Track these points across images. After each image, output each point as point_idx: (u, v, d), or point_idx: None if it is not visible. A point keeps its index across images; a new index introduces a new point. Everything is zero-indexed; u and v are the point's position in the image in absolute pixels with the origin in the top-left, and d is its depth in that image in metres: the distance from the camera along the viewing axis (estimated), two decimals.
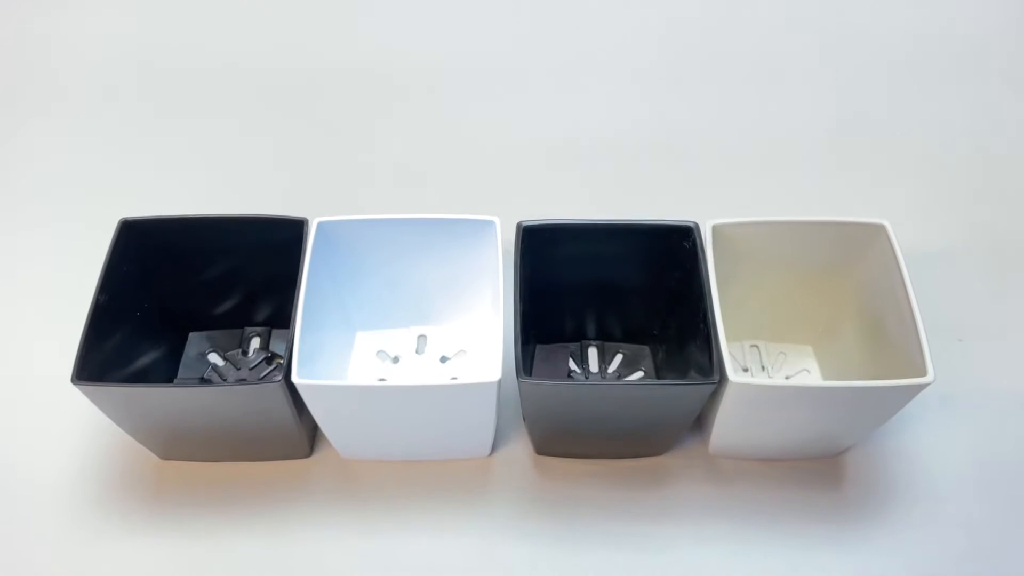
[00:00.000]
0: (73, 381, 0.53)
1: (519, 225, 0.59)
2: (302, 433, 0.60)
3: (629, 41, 0.91)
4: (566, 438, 0.60)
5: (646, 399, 0.54)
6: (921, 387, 0.52)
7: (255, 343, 0.68)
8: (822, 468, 0.63)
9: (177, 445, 0.61)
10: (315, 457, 0.63)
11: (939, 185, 0.79)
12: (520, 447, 0.64)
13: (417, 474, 0.62)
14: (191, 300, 0.66)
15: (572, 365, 0.66)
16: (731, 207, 0.62)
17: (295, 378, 0.53)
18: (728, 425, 0.58)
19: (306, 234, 0.59)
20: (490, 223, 0.60)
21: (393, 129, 0.85)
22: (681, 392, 0.54)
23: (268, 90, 0.88)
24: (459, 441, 0.61)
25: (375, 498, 0.62)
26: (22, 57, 0.90)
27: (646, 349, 0.67)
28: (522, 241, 0.59)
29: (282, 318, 0.67)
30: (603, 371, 0.66)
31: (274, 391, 0.53)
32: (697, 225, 0.59)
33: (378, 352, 0.67)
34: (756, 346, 0.67)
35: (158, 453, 0.62)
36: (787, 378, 0.66)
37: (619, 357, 0.67)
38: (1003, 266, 0.73)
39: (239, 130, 0.85)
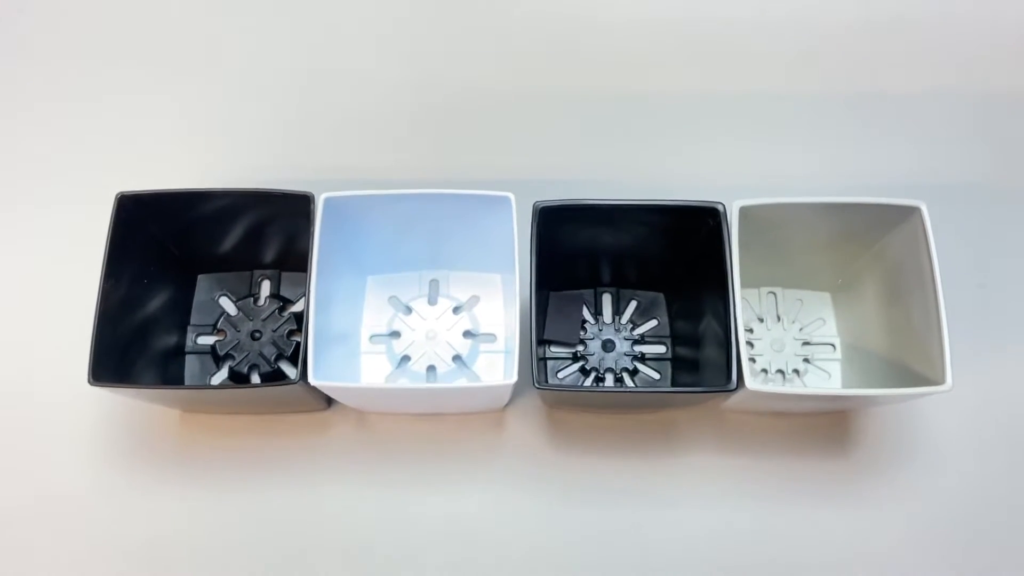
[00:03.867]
0: (90, 382, 0.53)
1: (535, 206, 0.56)
2: (320, 397, 0.61)
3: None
4: (579, 411, 0.61)
5: (661, 400, 0.54)
6: (937, 393, 0.52)
7: (265, 288, 0.67)
8: (829, 422, 0.64)
9: (197, 409, 0.62)
10: (333, 409, 0.65)
11: (974, 119, 0.73)
12: (533, 400, 0.65)
13: (433, 426, 0.64)
14: (199, 246, 0.64)
15: (586, 314, 0.66)
16: (752, 172, 0.58)
17: (312, 380, 0.53)
18: (741, 405, 0.58)
19: (313, 210, 0.57)
20: (506, 199, 0.57)
21: (407, 87, 0.75)
22: (696, 397, 0.54)
23: (267, 47, 0.77)
24: (474, 408, 0.62)
25: (391, 448, 0.64)
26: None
27: (661, 297, 0.66)
28: (538, 221, 0.56)
29: (292, 259, 0.66)
30: (616, 323, 0.66)
31: (293, 390, 0.54)
32: (724, 207, 0.56)
33: (390, 298, 0.66)
34: (773, 293, 0.67)
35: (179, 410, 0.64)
36: (801, 329, 0.65)
37: (633, 304, 0.66)
38: None
39: (236, 92, 0.75)
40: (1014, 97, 0.74)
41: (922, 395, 0.53)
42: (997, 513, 0.62)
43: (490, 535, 0.61)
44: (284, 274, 0.67)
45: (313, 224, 0.56)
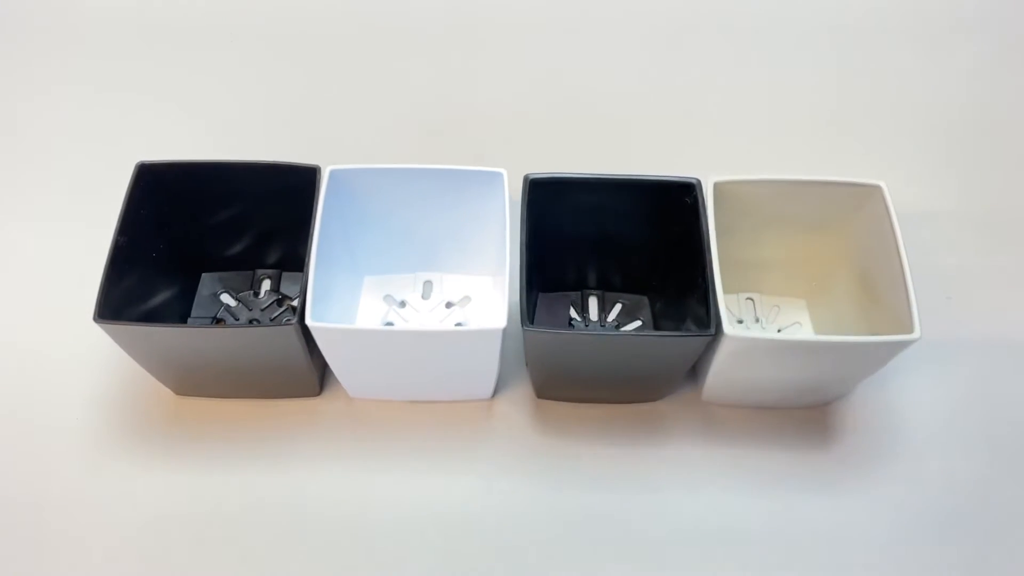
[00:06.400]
0: (95, 319, 0.55)
1: (526, 178, 0.61)
2: (313, 372, 0.62)
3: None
4: (566, 383, 0.63)
5: (644, 348, 0.56)
6: (908, 343, 0.55)
7: (266, 285, 0.70)
8: (810, 416, 0.66)
9: (192, 381, 0.63)
10: (324, 396, 0.66)
11: (934, 148, 0.81)
12: (521, 391, 0.67)
13: (422, 414, 0.65)
14: (204, 242, 0.68)
15: (573, 313, 0.69)
16: (731, 165, 0.64)
17: (309, 321, 0.55)
18: (722, 375, 0.60)
19: (319, 181, 0.61)
20: (498, 174, 0.61)
21: (408, 82, 0.86)
22: (678, 343, 0.56)
23: (286, 39, 0.89)
24: (463, 383, 0.63)
25: (380, 436, 0.64)
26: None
27: (645, 299, 0.69)
28: (529, 193, 0.60)
29: (292, 261, 0.69)
30: (602, 320, 0.68)
31: (288, 333, 0.56)
32: (699, 181, 0.60)
33: (385, 296, 0.69)
34: (751, 299, 0.70)
35: (173, 388, 0.65)
36: (779, 331, 0.68)
37: (618, 307, 0.69)
38: (992, 227, 0.76)
39: (257, 78, 0.86)
40: (981, 125, 0.83)
41: (895, 344, 0.55)
42: (973, 502, 0.62)
43: (477, 521, 0.61)
44: (285, 274, 0.70)
45: (318, 194, 0.60)
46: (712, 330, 0.55)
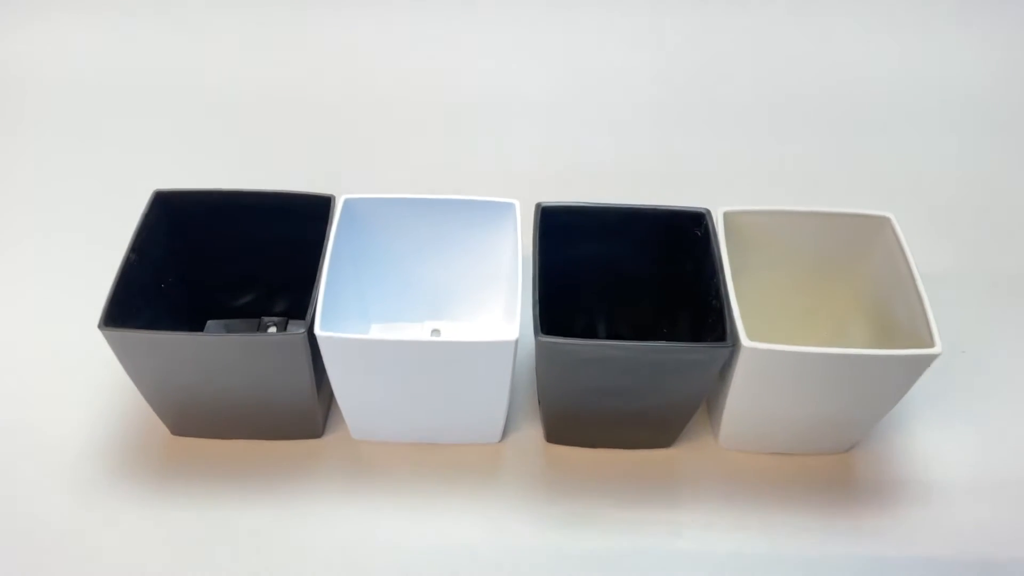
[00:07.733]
0: (100, 327, 0.54)
1: (538, 206, 0.61)
2: (316, 406, 0.60)
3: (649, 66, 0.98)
4: (578, 415, 0.60)
5: (660, 362, 0.55)
6: (929, 358, 0.54)
7: (272, 331, 0.69)
8: (831, 465, 0.63)
9: (191, 411, 0.61)
10: (326, 438, 0.64)
11: (948, 211, 0.83)
12: (530, 436, 0.64)
13: (427, 457, 0.63)
14: (212, 290, 0.67)
15: None
16: None
17: (317, 330, 0.54)
18: (740, 402, 0.58)
19: (332, 210, 0.61)
20: (510, 205, 0.62)
21: (424, 141, 0.90)
22: (696, 357, 0.55)
23: (305, 92, 0.94)
24: (471, 418, 0.61)
25: (385, 480, 0.62)
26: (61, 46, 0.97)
27: None
28: (541, 223, 0.61)
29: (299, 310, 0.68)
30: None
31: (295, 343, 0.54)
32: (709, 211, 0.61)
33: None
34: None
35: (171, 424, 0.62)
36: None
37: None
38: (1005, 286, 0.77)
39: (275, 124, 0.91)
40: (986, 187, 0.86)
41: (916, 359, 0.54)
42: (993, 554, 0.59)
43: (484, 568, 0.57)
44: (292, 322, 0.69)
45: (330, 225, 0.60)
46: (730, 342, 0.54)
